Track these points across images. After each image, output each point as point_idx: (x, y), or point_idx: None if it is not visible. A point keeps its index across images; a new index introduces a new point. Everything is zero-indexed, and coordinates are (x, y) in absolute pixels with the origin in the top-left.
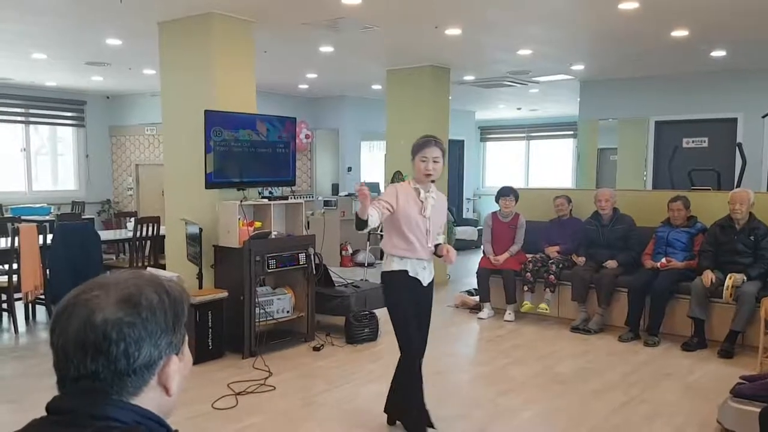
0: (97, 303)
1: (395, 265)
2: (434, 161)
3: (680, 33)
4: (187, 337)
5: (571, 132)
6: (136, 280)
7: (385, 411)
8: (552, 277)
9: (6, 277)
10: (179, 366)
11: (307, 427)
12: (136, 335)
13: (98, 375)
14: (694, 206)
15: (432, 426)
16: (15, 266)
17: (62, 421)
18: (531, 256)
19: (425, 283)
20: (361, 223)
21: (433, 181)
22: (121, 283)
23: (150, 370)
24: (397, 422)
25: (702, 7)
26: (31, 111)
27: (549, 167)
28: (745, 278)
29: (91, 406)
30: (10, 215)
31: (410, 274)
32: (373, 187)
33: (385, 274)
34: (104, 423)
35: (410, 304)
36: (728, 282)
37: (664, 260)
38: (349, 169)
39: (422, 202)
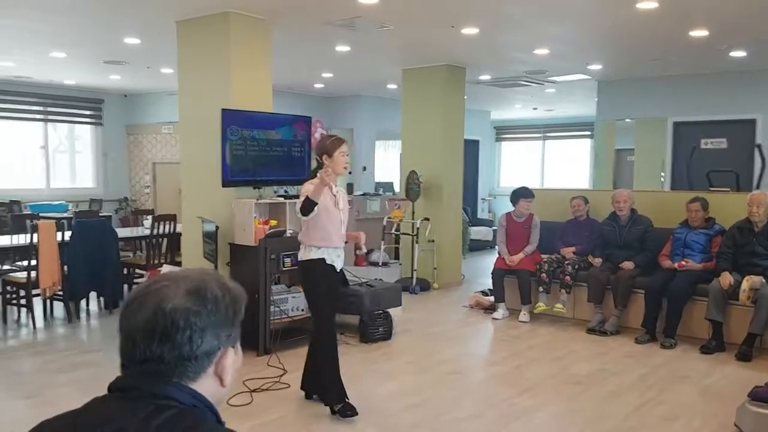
0: (167, 293)
1: (313, 254)
2: (347, 155)
3: (699, 33)
4: (240, 335)
5: (588, 132)
6: (202, 275)
7: (302, 388)
8: (568, 278)
9: (24, 273)
10: (234, 359)
11: (321, 424)
12: (200, 324)
13: (163, 358)
14: (712, 208)
15: (347, 398)
16: (33, 262)
17: (125, 397)
18: (546, 256)
19: (338, 268)
20: (311, 207)
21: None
22: (189, 278)
23: (209, 358)
24: (314, 396)
25: (721, 7)
26: (50, 109)
27: (565, 168)
28: (763, 280)
29: (154, 386)
30: (29, 212)
31: (327, 261)
32: (387, 187)
33: (303, 263)
34: (164, 402)
35: (326, 286)
36: (745, 284)
37: (683, 261)
38: (364, 168)
39: (335, 196)
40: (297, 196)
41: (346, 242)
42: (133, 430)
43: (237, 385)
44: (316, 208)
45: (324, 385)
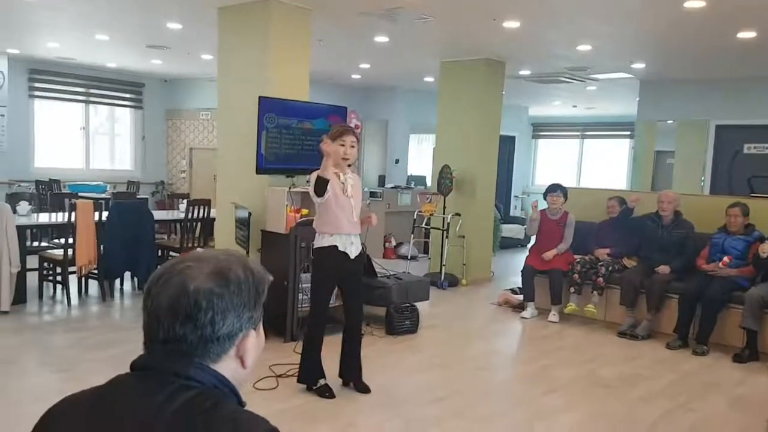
0: (190, 273)
1: (326, 242)
2: (351, 146)
3: (747, 34)
4: (262, 317)
5: (628, 132)
6: (227, 257)
7: (339, 375)
8: (600, 279)
9: (61, 250)
10: (255, 341)
11: (345, 413)
12: (223, 306)
13: (185, 339)
14: (753, 214)
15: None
16: (71, 241)
17: (147, 376)
18: (579, 257)
19: (352, 256)
20: (324, 186)
21: (349, 165)
22: (213, 259)
23: (231, 340)
24: (351, 384)
25: None
26: (92, 91)
27: (603, 168)
28: None
29: (176, 366)
30: (68, 191)
31: (339, 248)
32: (420, 180)
33: (316, 250)
34: (186, 382)
35: (334, 278)
36: None
37: (726, 258)
38: (397, 161)
39: (343, 183)
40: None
41: (364, 224)
42: (152, 411)
43: (263, 369)
44: (329, 187)
45: (303, 361)
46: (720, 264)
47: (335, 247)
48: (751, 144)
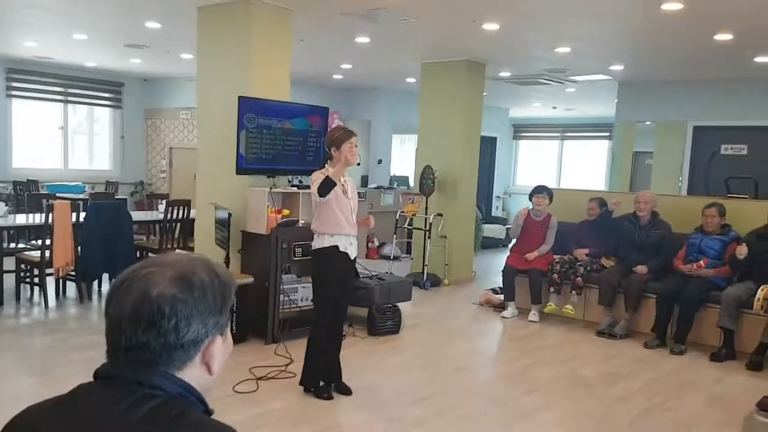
0: (153, 279)
1: (326, 242)
2: (356, 146)
3: (724, 36)
4: (230, 321)
5: (607, 133)
6: (191, 261)
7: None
8: (579, 279)
9: (39, 252)
10: (222, 347)
11: (326, 415)
12: (187, 312)
13: (148, 346)
14: (729, 214)
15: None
16: (48, 242)
17: (110, 385)
18: (559, 257)
19: (352, 257)
20: (329, 188)
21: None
22: (177, 263)
23: (196, 346)
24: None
25: (748, 11)
26: (70, 90)
27: (582, 168)
28: None
29: (139, 374)
30: (46, 192)
31: (340, 249)
32: (402, 180)
33: (317, 251)
34: (150, 390)
35: (337, 282)
36: (760, 294)
37: (702, 261)
38: (380, 161)
39: (343, 185)
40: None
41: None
42: (115, 421)
43: (243, 372)
44: (332, 191)
45: (307, 364)
46: (695, 266)
47: (336, 247)
48: (728, 145)
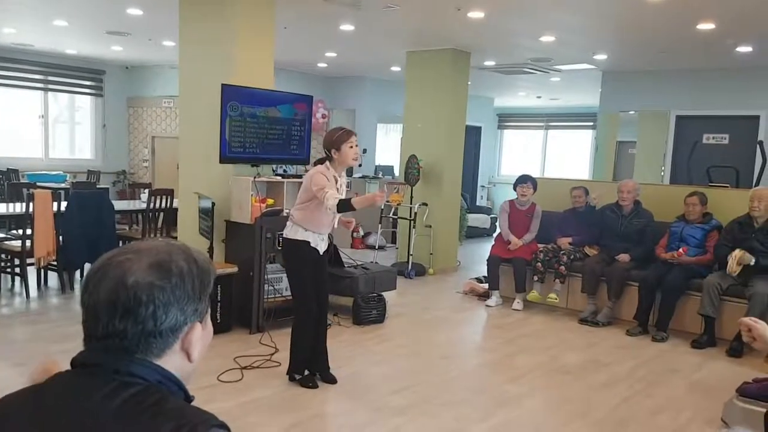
0: (129, 266)
1: (299, 235)
2: (356, 146)
3: (706, 26)
4: (209, 308)
5: (591, 123)
6: (168, 247)
7: (307, 367)
8: (562, 267)
9: (19, 242)
10: (202, 334)
11: (311, 404)
12: (164, 299)
13: (126, 334)
14: (711, 203)
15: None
16: (29, 232)
17: (87, 373)
18: (542, 246)
19: (321, 252)
20: (348, 210)
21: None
22: (154, 250)
23: (175, 334)
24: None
25: (730, 0)
26: (50, 78)
27: (566, 158)
28: (753, 260)
29: (117, 362)
30: (27, 181)
31: (311, 245)
32: (387, 170)
33: (288, 240)
34: (128, 378)
35: (309, 270)
36: (737, 252)
37: (681, 250)
38: (365, 150)
39: (338, 189)
40: (295, 176)
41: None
42: (93, 410)
43: (228, 361)
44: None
45: (292, 353)
46: (676, 254)
47: (307, 243)
48: (710, 134)
